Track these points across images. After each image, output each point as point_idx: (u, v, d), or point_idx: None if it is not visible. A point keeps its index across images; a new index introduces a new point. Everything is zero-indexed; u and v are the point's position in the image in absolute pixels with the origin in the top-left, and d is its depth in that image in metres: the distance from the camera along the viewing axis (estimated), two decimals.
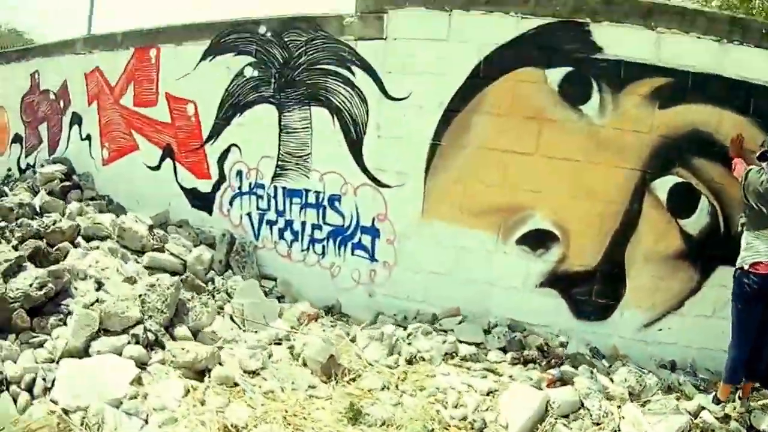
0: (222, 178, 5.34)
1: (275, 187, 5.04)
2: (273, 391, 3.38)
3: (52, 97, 6.81)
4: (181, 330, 3.79)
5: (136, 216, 5.15)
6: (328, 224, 4.83)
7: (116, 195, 5.99)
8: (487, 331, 4.29)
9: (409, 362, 3.90)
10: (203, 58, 5.40)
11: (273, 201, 5.05)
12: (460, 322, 4.37)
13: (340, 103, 4.73)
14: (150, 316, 3.68)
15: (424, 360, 3.92)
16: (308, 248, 4.92)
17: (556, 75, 4.07)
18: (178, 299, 3.89)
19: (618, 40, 3.95)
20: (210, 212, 5.42)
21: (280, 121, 4.99)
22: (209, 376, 3.40)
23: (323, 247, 4.86)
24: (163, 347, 3.55)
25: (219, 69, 5.28)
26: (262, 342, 3.99)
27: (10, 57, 7.64)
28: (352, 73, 4.67)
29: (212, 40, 5.33)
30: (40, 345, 3.37)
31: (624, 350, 4.04)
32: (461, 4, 4.31)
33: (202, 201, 5.47)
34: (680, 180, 3.92)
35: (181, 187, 5.60)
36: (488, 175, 4.28)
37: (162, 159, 5.73)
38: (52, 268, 3.79)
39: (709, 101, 3.81)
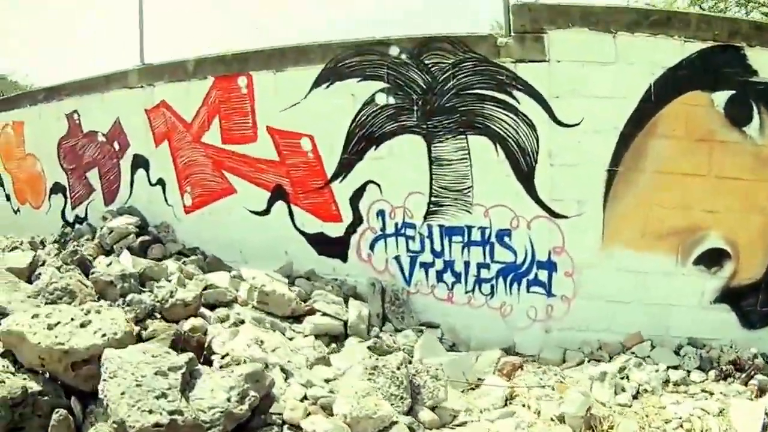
0: (357, 219, 4.76)
1: (429, 226, 4.58)
2: None
3: (101, 139, 5.76)
4: (424, 414, 3.25)
5: (268, 273, 4.44)
6: (497, 262, 4.48)
7: (206, 246, 5.15)
8: (675, 353, 4.27)
9: (635, 397, 3.76)
10: (316, 84, 4.76)
11: (428, 241, 4.59)
12: (651, 348, 4.29)
13: (502, 130, 4.39)
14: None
15: (647, 392, 3.81)
16: (473, 289, 4.54)
17: (721, 98, 4.17)
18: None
19: None
20: (344, 259, 4.82)
21: (429, 152, 4.53)
22: None
23: (492, 286, 4.51)
24: None
25: (340, 97, 4.69)
26: (497, 405, 3.62)
27: (37, 97, 6.36)
28: (514, 98, 4.34)
29: (326, 64, 4.71)
30: None
31: None
32: (626, 26, 4.20)
33: (332, 247, 4.85)
34: None
35: (302, 233, 4.93)
36: (668, 199, 4.25)
37: (271, 202, 5.00)
38: (248, 370, 2.85)
39: None
